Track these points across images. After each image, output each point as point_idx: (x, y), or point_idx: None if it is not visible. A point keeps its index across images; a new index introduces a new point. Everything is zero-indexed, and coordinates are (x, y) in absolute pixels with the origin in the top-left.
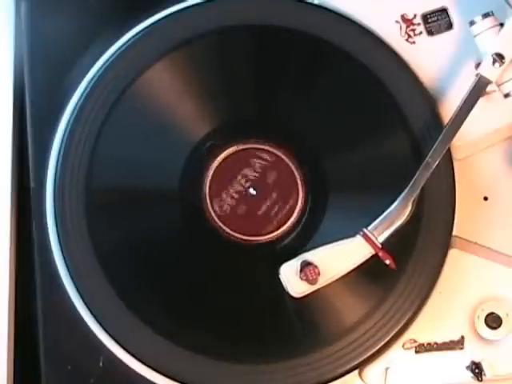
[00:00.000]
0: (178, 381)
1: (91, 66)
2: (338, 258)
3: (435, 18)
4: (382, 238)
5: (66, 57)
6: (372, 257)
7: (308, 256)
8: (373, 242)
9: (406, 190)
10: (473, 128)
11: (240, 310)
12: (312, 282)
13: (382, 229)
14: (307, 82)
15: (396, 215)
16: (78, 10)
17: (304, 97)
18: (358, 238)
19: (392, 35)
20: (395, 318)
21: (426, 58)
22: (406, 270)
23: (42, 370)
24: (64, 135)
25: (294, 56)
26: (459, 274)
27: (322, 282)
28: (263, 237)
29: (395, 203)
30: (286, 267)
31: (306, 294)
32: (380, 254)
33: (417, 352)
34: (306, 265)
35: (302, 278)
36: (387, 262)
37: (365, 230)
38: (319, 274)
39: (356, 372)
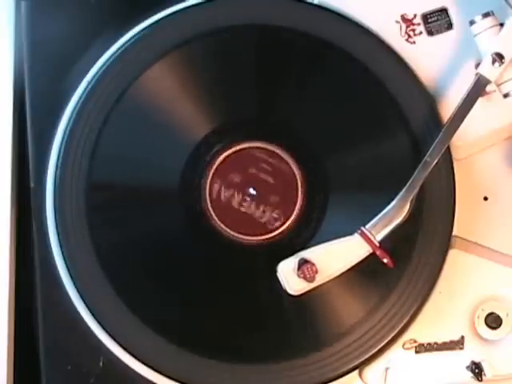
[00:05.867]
0: (177, 381)
1: (91, 66)
2: (336, 256)
3: (435, 18)
4: (379, 237)
5: (66, 57)
6: (370, 255)
7: (306, 254)
8: (371, 240)
9: (404, 189)
10: (473, 128)
11: (240, 310)
12: (309, 279)
13: (380, 227)
14: (307, 81)
15: (394, 214)
16: (78, 9)
17: (304, 97)
18: (356, 237)
19: (392, 35)
20: (395, 318)
21: (426, 57)
22: (406, 270)
23: (42, 370)
24: (64, 135)
25: (293, 56)
26: (459, 274)
27: (319, 280)
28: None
29: (393, 202)
30: (283, 265)
31: (303, 291)
32: (378, 252)
33: (417, 352)
34: (303, 262)
35: (299, 276)
36: (385, 260)
37: (363, 228)
38: (317, 271)
39: (356, 372)
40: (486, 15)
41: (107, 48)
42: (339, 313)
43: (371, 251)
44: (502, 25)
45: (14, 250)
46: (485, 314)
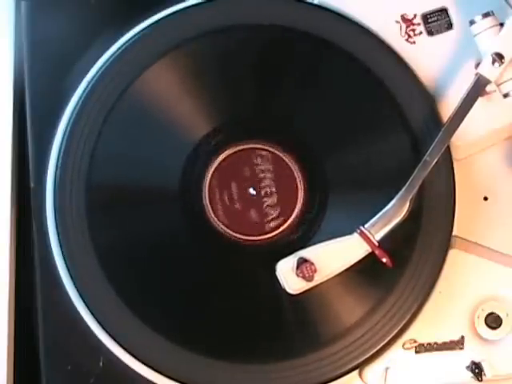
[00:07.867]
0: (177, 381)
1: (91, 66)
2: (335, 255)
3: (435, 18)
4: (378, 236)
5: (66, 57)
6: (369, 255)
7: (304, 253)
8: (370, 239)
9: (403, 189)
10: (473, 128)
11: (240, 310)
12: (308, 279)
13: (379, 227)
14: (307, 81)
15: (393, 213)
16: (78, 9)
17: (304, 97)
18: (355, 236)
19: (392, 35)
20: (395, 318)
21: (426, 58)
22: (406, 270)
23: (42, 370)
24: (64, 135)
25: (293, 56)
26: (459, 274)
27: (318, 279)
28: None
29: (393, 201)
30: (282, 264)
31: (302, 290)
32: (376, 251)
33: (417, 352)
34: (302, 262)
35: (298, 275)
36: (384, 260)
37: (362, 227)
38: (316, 271)
39: (356, 372)
40: (485, 15)
41: (107, 48)
42: (339, 312)
43: (370, 251)
44: (502, 25)
45: (14, 250)
46: (485, 314)
